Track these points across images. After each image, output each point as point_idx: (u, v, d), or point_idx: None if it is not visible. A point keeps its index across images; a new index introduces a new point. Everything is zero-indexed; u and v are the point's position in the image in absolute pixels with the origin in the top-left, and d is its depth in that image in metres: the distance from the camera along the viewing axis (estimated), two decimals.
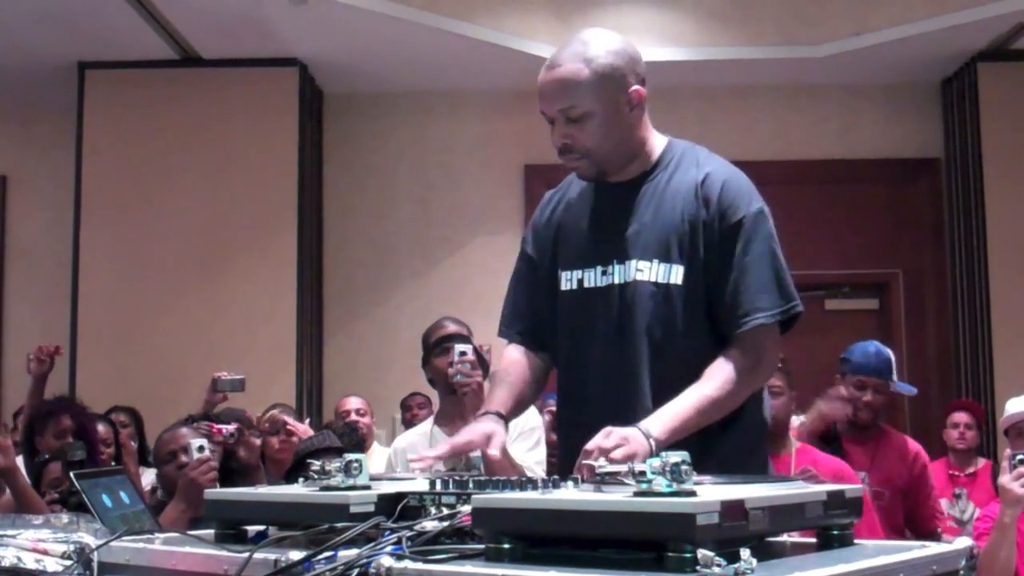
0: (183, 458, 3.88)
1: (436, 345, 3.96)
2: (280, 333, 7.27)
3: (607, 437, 2.14)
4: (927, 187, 8.05)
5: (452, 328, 4.01)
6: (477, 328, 4.20)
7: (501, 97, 7.89)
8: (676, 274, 2.41)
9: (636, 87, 2.43)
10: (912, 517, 4.43)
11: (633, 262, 2.44)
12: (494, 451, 2.36)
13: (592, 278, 2.49)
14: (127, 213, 7.38)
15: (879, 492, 4.34)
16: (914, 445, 4.59)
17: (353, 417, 6.06)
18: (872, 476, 4.36)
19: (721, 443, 2.38)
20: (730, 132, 7.75)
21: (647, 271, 2.42)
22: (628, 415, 2.31)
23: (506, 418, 2.49)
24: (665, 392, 2.35)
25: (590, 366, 2.49)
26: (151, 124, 7.47)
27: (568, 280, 2.53)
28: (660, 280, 2.41)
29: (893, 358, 4.55)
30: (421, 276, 7.98)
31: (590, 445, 2.13)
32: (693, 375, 2.36)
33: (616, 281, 2.45)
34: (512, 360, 2.62)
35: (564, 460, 2.52)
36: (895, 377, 4.53)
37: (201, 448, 3.78)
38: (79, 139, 7.49)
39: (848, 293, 8.06)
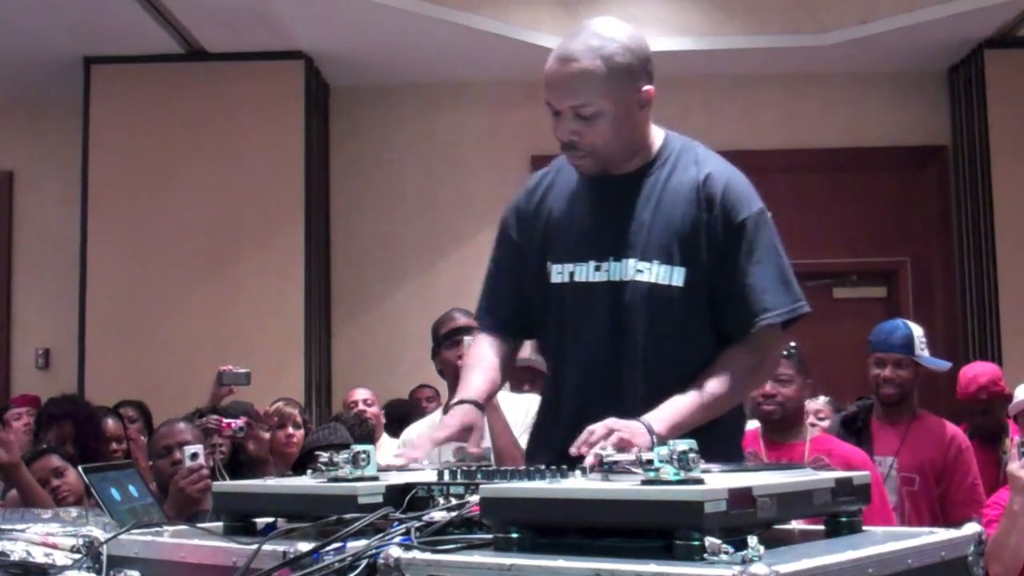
0: (177, 455, 3.83)
1: (446, 337, 3.95)
2: (288, 326, 7.28)
3: (610, 425, 2.11)
4: (934, 175, 8.03)
5: (462, 320, 3.99)
6: None
7: (507, 88, 7.88)
8: (677, 276, 2.37)
9: (647, 87, 2.38)
10: (943, 503, 4.28)
11: (631, 261, 2.39)
12: (476, 449, 2.29)
13: (584, 272, 2.43)
14: (134, 207, 7.39)
15: (908, 478, 4.24)
16: (951, 428, 4.45)
17: (361, 407, 6.09)
18: (901, 460, 4.27)
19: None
20: (737, 121, 7.74)
21: (647, 272, 2.38)
22: (614, 411, 2.27)
23: (482, 407, 2.45)
24: (654, 391, 2.32)
25: (580, 361, 2.45)
26: (157, 119, 7.47)
27: (559, 273, 2.47)
28: (661, 282, 2.37)
29: (917, 334, 4.43)
30: (428, 268, 7.98)
31: (594, 427, 2.09)
32: (684, 376, 2.34)
33: (612, 278, 2.41)
34: (483, 346, 2.58)
35: (535, 448, 2.52)
36: (919, 352, 4.39)
37: (194, 456, 3.69)
38: (85, 134, 7.50)
39: (856, 281, 8.05)
